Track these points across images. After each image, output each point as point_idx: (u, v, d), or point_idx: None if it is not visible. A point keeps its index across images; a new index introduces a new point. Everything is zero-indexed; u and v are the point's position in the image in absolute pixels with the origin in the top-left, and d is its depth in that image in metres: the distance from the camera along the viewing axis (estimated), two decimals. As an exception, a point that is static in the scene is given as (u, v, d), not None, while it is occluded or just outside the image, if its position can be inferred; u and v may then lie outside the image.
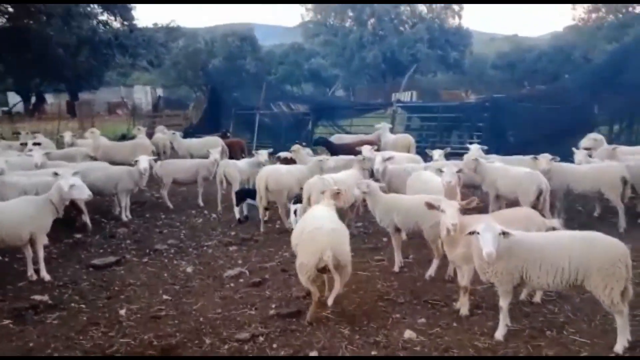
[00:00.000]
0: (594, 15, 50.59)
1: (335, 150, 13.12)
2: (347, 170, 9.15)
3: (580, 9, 51.12)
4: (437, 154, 10.40)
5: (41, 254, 7.01)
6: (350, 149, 12.09)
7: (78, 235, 9.16)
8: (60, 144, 14.84)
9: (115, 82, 51.37)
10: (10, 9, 28.64)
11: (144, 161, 10.16)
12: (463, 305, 5.63)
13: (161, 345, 5.18)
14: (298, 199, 8.77)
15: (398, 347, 4.98)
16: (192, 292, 6.64)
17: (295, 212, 8.80)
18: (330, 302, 5.38)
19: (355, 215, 9.16)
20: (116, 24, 36.19)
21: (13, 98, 44.19)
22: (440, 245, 6.38)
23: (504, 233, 4.65)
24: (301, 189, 8.74)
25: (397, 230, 7.04)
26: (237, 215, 10.00)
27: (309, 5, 56.15)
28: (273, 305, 6.01)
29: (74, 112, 31.62)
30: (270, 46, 59.93)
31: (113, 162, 11.65)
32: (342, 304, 5.89)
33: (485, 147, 10.57)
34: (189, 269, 7.50)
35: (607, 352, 4.70)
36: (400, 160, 10.29)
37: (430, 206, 5.49)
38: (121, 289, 6.76)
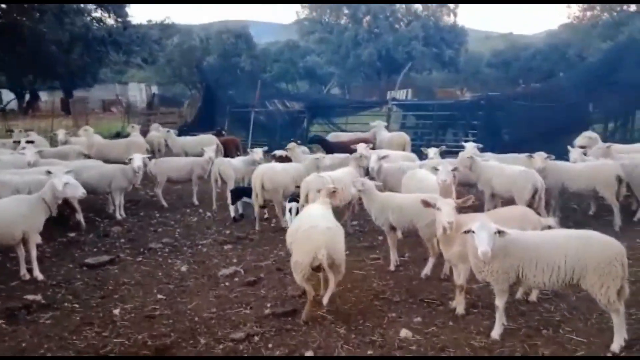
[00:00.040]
0: (588, 14, 50.62)
1: (330, 148, 13.10)
2: (344, 167, 9.14)
3: (575, 7, 51.10)
4: (432, 152, 10.42)
5: (34, 253, 6.95)
6: (346, 147, 12.09)
7: (72, 234, 9.10)
8: (54, 142, 14.74)
9: (110, 80, 51.05)
10: (3, 5, 28.40)
11: (137, 159, 10.11)
12: (459, 304, 5.62)
13: (155, 345, 5.14)
14: (293, 198, 8.74)
15: (394, 347, 4.96)
16: (187, 291, 6.60)
17: (290, 210, 8.78)
18: (325, 301, 5.36)
19: (351, 214, 9.14)
20: (110, 21, 35.96)
21: (7, 95, 43.85)
22: (435, 244, 6.37)
23: (499, 232, 4.63)
24: (297, 187, 8.72)
25: (393, 228, 7.02)
26: (233, 214, 9.96)
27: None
28: (268, 305, 5.98)
29: (68, 109, 31.48)
30: (265, 44, 59.72)
31: (107, 160, 11.60)
32: (337, 303, 5.87)
33: (481, 145, 10.57)
34: (184, 268, 7.46)
35: (604, 351, 4.69)
36: (396, 158, 10.30)
37: (426, 204, 5.47)
38: (115, 288, 6.71)
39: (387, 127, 15.75)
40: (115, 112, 37.09)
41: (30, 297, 6.24)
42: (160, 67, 46.80)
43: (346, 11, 54.56)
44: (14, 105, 42.01)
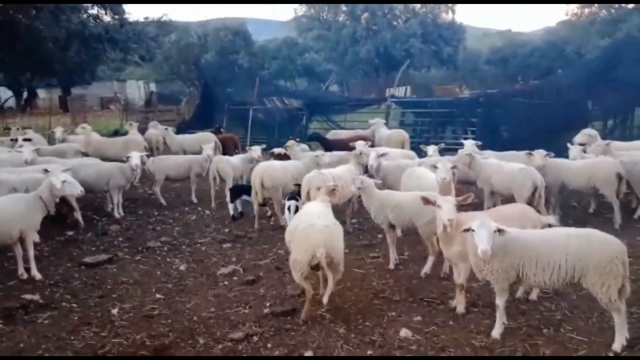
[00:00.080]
0: (586, 11, 50.56)
1: (329, 145, 13.07)
2: (344, 165, 9.11)
3: (573, 4, 51.05)
4: (431, 149, 10.39)
5: (31, 252, 6.91)
6: (345, 145, 12.06)
7: (69, 233, 9.07)
8: (51, 140, 14.68)
9: (108, 77, 50.90)
10: (-1, 3, 28.27)
11: (135, 157, 10.06)
12: (459, 303, 5.60)
13: (154, 345, 5.11)
14: (292, 196, 8.71)
15: (394, 346, 4.93)
16: (186, 290, 6.57)
17: (289, 208, 8.75)
18: (325, 300, 5.34)
19: (351, 212, 9.11)
20: (107, 18, 35.72)
21: (4, 93, 43.72)
22: (435, 242, 6.35)
23: (499, 230, 4.61)
24: (296, 185, 8.68)
25: (392, 226, 6.99)
26: (232, 212, 9.93)
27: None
28: (267, 304, 5.95)
29: (66, 107, 31.38)
30: (263, 41, 59.49)
31: (105, 158, 11.57)
32: (336, 302, 5.84)
33: (480, 143, 10.56)
34: (182, 267, 7.43)
35: (605, 350, 4.68)
36: (395, 156, 10.28)
37: (426, 201, 5.45)
38: (113, 288, 6.68)
39: (386, 125, 15.72)
40: (113, 110, 37.03)
41: (28, 296, 6.21)
42: (158, 64, 46.60)
43: (344, 8, 54.36)
44: (11, 102, 41.87)
